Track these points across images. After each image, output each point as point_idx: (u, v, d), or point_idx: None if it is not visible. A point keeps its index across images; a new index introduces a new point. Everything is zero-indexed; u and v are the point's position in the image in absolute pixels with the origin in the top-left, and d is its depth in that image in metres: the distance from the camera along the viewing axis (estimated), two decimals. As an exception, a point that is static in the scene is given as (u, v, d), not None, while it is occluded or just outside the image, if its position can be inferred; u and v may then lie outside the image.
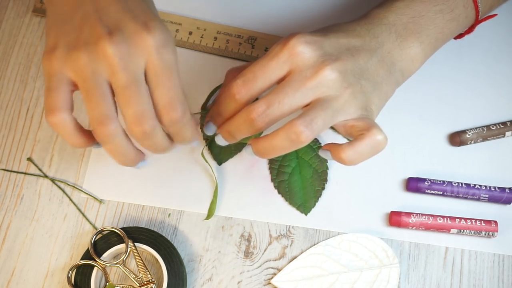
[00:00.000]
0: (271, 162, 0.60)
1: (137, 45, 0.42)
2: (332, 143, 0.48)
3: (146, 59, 0.43)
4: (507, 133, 0.61)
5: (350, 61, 0.47)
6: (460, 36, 0.56)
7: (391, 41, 0.50)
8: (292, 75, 0.46)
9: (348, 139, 0.60)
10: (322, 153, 0.48)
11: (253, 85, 0.47)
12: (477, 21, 0.54)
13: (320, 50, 0.46)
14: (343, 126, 0.48)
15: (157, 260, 0.55)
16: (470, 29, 0.55)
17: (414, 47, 0.51)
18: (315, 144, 0.60)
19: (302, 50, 0.46)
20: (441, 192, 0.59)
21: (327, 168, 0.60)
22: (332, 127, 0.61)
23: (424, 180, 0.59)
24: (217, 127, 0.51)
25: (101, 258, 0.55)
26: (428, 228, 0.58)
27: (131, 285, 0.55)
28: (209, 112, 0.51)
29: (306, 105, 0.47)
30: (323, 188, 0.59)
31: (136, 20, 0.43)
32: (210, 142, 0.60)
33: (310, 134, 0.45)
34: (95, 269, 0.55)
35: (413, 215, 0.58)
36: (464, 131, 0.61)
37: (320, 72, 0.45)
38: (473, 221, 0.58)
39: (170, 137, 0.47)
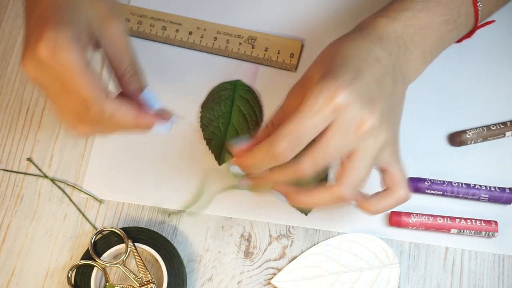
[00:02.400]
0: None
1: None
2: (360, 194, 0.49)
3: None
4: (507, 133, 0.61)
5: (382, 99, 0.46)
6: (458, 41, 0.56)
7: (400, 55, 0.49)
8: (335, 126, 0.44)
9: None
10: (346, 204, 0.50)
11: (299, 145, 0.45)
12: (475, 28, 0.55)
13: (361, 100, 0.45)
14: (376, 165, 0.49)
15: (157, 260, 0.55)
16: (468, 35, 0.55)
17: (418, 59, 0.51)
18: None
19: (348, 107, 0.44)
20: (441, 192, 0.59)
21: (327, 168, 0.60)
22: None
23: (424, 180, 0.59)
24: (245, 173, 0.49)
25: (101, 258, 0.55)
26: (428, 228, 0.58)
27: (131, 285, 0.55)
28: (238, 156, 0.49)
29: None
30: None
31: None
32: (210, 140, 0.60)
33: (352, 194, 0.46)
34: (95, 269, 0.55)
35: (413, 215, 0.58)
36: (464, 131, 0.61)
37: (361, 128, 0.45)
38: (473, 221, 0.58)
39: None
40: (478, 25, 0.54)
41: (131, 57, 0.48)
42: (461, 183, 0.59)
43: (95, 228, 0.58)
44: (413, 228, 0.58)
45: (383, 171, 0.49)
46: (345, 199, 0.46)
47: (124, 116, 0.45)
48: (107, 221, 0.58)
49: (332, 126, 0.44)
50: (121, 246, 0.56)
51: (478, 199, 0.59)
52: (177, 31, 0.64)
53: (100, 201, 0.59)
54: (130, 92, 0.48)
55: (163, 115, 0.48)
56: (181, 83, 0.63)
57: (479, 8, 0.53)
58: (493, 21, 0.56)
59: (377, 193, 0.49)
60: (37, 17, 0.46)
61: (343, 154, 0.45)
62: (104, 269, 0.55)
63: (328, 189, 0.46)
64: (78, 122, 0.46)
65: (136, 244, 0.55)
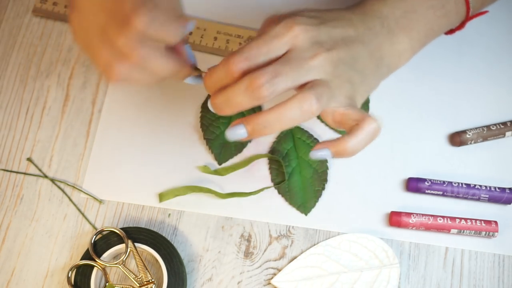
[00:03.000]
0: (271, 162, 0.60)
1: None
2: (326, 140, 0.47)
3: None
4: (507, 133, 0.61)
5: (343, 50, 0.47)
6: (450, 32, 0.56)
7: (382, 34, 0.50)
8: (291, 53, 0.46)
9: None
10: (317, 154, 0.47)
11: (253, 61, 0.46)
12: (468, 18, 0.54)
13: (316, 38, 0.47)
14: (331, 114, 0.47)
15: (157, 260, 0.55)
16: (460, 26, 0.55)
17: (403, 43, 0.51)
18: (315, 144, 0.60)
19: (303, 35, 0.46)
20: (441, 192, 0.59)
21: (327, 168, 0.60)
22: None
23: (424, 180, 0.59)
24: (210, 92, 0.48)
25: (101, 258, 0.55)
26: (428, 228, 0.58)
27: (131, 285, 0.55)
28: (208, 73, 0.48)
29: (300, 87, 0.47)
30: (323, 188, 0.59)
31: None
32: (211, 142, 0.60)
33: (320, 106, 0.45)
34: (95, 269, 0.55)
35: (413, 215, 0.58)
36: (464, 131, 0.61)
37: (316, 57, 0.46)
38: (473, 221, 0.58)
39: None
40: (471, 15, 0.54)
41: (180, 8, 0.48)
42: (461, 183, 0.59)
43: (95, 228, 0.58)
44: (413, 228, 0.58)
45: (340, 115, 0.47)
46: (313, 109, 0.45)
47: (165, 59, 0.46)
48: (107, 221, 0.58)
49: (288, 53, 0.46)
50: (121, 246, 0.56)
51: (478, 199, 0.59)
52: (177, 31, 0.64)
53: (100, 201, 0.59)
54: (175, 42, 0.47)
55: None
56: (181, 83, 0.63)
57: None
58: (486, 11, 0.56)
59: (347, 132, 0.47)
60: None
61: (299, 81, 0.46)
62: (104, 269, 0.55)
63: (295, 99, 0.45)
64: (109, 59, 0.45)
65: (136, 244, 0.55)
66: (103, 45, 0.45)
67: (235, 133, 0.46)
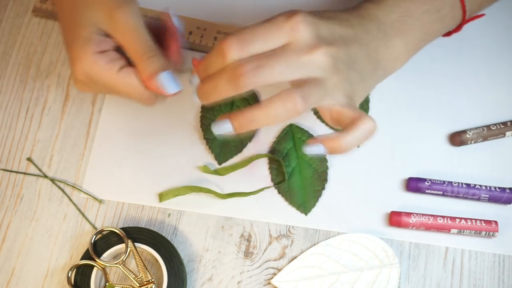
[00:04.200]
0: (271, 162, 0.60)
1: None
2: (321, 136, 0.47)
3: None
4: (507, 133, 0.61)
5: (342, 49, 0.47)
6: (447, 34, 0.56)
7: (379, 38, 0.50)
8: (288, 46, 0.45)
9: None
10: (311, 149, 0.47)
11: (248, 47, 0.45)
12: (464, 21, 0.54)
13: (317, 32, 0.46)
14: (329, 111, 0.47)
15: (157, 260, 0.55)
16: (457, 28, 0.55)
17: (399, 47, 0.51)
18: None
19: (303, 28, 0.45)
20: (441, 192, 0.59)
21: (327, 168, 0.60)
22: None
23: (424, 180, 0.59)
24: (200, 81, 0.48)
25: (101, 258, 0.55)
26: (428, 228, 0.58)
27: (131, 285, 0.55)
28: (198, 64, 0.48)
29: (293, 82, 0.46)
30: (323, 188, 0.59)
31: None
32: (211, 142, 0.60)
33: (306, 106, 0.45)
34: (95, 269, 0.55)
35: (413, 215, 0.58)
36: (464, 131, 0.61)
37: (314, 52, 0.45)
38: (473, 221, 0.58)
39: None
40: (467, 18, 0.54)
41: (144, 42, 0.49)
42: (461, 183, 0.59)
43: (95, 228, 0.58)
44: (413, 228, 0.58)
45: (337, 112, 0.47)
46: (298, 108, 0.44)
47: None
48: (107, 221, 0.58)
49: (285, 46, 0.45)
50: (121, 246, 0.56)
51: (478, 199, 0.59)
52: (177, 31, 0.64)
53: (100, 201, 0.59)
54: (145, 77, 0.49)
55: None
56: (181, 83, 0.63)
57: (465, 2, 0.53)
58: (483, 14, 0.56)
59: (343, 129, 0.47)
60: (64, 38, 0.52)
61: (288, 77, 0.45)
62: (104, 269, 0.55)
63: (280, 96, 0.45)
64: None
65: (136, 244, 0.55)
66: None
67: (221, 128, 0.46)
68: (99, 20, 0.49)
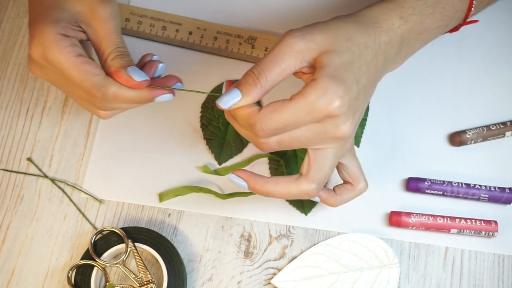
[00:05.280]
0: (271, 162, 0.60)
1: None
2: (322, 190, 0.52)
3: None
4: (507, 133, 0.61)
5: (361, 108, 0.48)
6: None
7: (391, 56, 0.49)
8: (315, 127, 0.46)
9: None
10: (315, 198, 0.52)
11: (281, 132, 0.46)
12: (459, 26, 0.55)
13: (348, 113, 0.46)
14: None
15: (157, 260, 0.55)
16: (450, 31, 0.55)
17: (402, 59, 0.51)
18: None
19: (337, 116, 0.45)
20: (441, 192, 0.59)
21: (327, 168, 0.60)
22: None
23: (424, 180, 0.59)
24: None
25: (101, 258, 0.55)
26: (428, 228, 0.58)
27: (131, 285, 0.55)
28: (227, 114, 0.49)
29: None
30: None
31: None
32: (211, 142, 0.60)
33: (318, 192, 0.49)
34: (95, 269, 0.55)
35: (413, 215, 0.58)
36: (464, 131, 0.61)
37: (340, 134, 0.46)
38: (473, 221, 0.58)
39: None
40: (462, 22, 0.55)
41: (119, 41, 0.49)
42: (461, 183, 0.59)
43: (95, 228, 0.58)
44: (413, 228, 0.58)
45: (340, 165, 0.52)
46: (311, 196, 0.49)
47: (126, 94, 0.48)
48: (107, 221, 0.58)
49: (315, 124, 0.45)
50: (121, 246, 0.56)
51: (478, 199, 0.59)
52: (177, 31, 0.64)
53: (100, 201, 0.59)
54: (114, 70, 0.49)
55: (166, 83, 0.50)
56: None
57: (471, 13, 0.53)
58: (477, 21, 0.56)
59: (339, 188, 0.53)
60: (30, 18, 0.50)
61: (311, 147, 0.47)
62: (104, 269, 0.55)
63: (296, 183, 0.48)
64: (92, 109, 0.50)
65: (136, 244, 0.55)
66: (77, 96, 0.50)
67: (237, 183, 0.50)
68: (78, 10, 0.49)
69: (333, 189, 0.53)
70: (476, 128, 0.61)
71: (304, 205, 0.59)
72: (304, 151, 0.60)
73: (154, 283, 0.55)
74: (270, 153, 0.60)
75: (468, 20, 0.54)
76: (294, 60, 0.45)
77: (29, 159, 0.60)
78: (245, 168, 0.60)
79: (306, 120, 0.45)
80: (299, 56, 0.45)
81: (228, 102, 0.46)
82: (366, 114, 0.62)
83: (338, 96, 0.44)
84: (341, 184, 0.53)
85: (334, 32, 0.46)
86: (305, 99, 0.44)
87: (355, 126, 0.47)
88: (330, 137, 0.46)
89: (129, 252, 0.55)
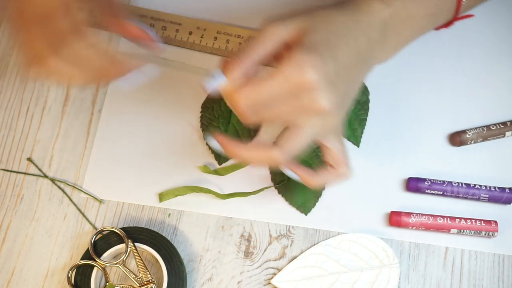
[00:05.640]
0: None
1: None
2: (301, 167, 0.51)
3: None
4: (507, 133, 0.61)
5: (343, 87, 0.47)
6: (436, 28, 0.56)
7: (378, 42, 0.49)
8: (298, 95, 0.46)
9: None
10: (289, 172, 0.52)
11: (261, 109, 0.46)
12: (453, 20, 0.54)
13: (323, 85, 0.45)
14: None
15: (157, 260, 0.55)
16: (445, 26, 0.55)
17: (391, 47, 0.51)
18: (315, 144, 0.60)
19: (311, 88, 0.45)
20: (441, 192, 0.59)
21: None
22: None
23: (424, 180, 0.59)
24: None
25: (101, 258, 0.55)
26: (428, 228, 0.58)
27: (131, 285, 0.55)
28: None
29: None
30: (323, 188, 0.59)
31: None
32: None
33: (285, 160, 0.48)
34: (95, 269, 0.55)
35: (413, 215, 0.58)
36: (464, 131, 0.61)
37: (318, 108, 0.46)
38: (473, 221, 0.58)
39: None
40: (458, 16, 0.54)
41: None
42: (461, 183, 0.59)
43: (95, 228, 0.58)
44: (413, 228, 0.58)
45: (323, 146, 0.51)
46: (277, 163, 0.48)
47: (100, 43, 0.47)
48: (107, 221, 0.58)
49: (293, 98, 0.45)
50: (121, 246, 0.56)
51: (478, 199, 0.59)
52: (177, 31, 0.64)
53: (100, 201, 0.59)
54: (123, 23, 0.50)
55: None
56: (181, 83, 0.63)
57: (462, 3, 0.53)
58: (472, 15, 0.56)
59: (322, 170, 0.52)
60: None
61: (288, 122, 0.47)
62: (104, 269, 0.55)
63: (264, 149, 0.48)
64: (49, 53, 0.46)
65: (136, 244, 0.55)
66: (41, 31, 0.45)
67: (213, 145, 0.49)
68: None
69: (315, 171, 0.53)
70: (476, 128, 0.61)
71: (304, 205, 0.59)
72: (305, 152, 0.60)
73: (154, 283, 0.55)
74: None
75: (462, 14, 0.54)
76: (275, 41, 0.46)
77: (29, 159, 0.60)
78: (245, 167, 0.60)
79: (283, 93, 0.45)
80: (279, 38, 0.46)
81: (212, 85, 0.47)
82: (366, 114, 0.62)
83: (312, 66, 0.44)
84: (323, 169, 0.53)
85: (313, 15, 0.47)
86: (281, 73, 0.44)
87: (336, 104, 0.46)
88: (307, 110, 0.45)
89: (129, 252, 0.55)
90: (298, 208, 0.59)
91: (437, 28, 0.55)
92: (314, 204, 0.59)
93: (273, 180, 0.60)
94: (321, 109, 0.45)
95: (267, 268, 0.57)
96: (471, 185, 0.59)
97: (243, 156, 0.48)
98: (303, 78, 0.44)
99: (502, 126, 0.61)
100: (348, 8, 0.49)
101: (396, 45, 0.51)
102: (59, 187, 0.59)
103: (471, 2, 0.54)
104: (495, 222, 0.58)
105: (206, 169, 0.59)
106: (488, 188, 0.59)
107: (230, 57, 0.47)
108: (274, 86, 0.45)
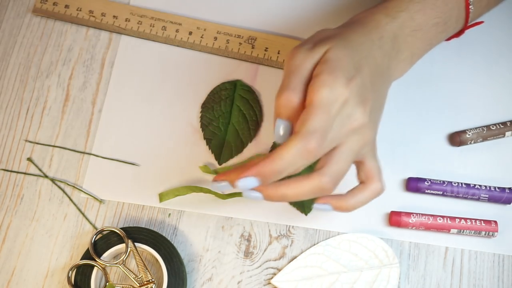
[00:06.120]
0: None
1: None
2: (329, 195, 0.49)
3: None
4: (507, 133, 0.61)
5: (372, 99, 0.47)
6: (447, 39, 0.56)
7: (392, 56, 0.50)
8: None
9: None
10: (320, 207, 0.49)
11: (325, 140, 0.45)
12: (464, 29, 0.55)
13: (355, 99, 0.46)
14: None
15: (157, 260, 0.55)
16: (456, 35, 0.56)
17: (406, 60, 0.52)
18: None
19: (345, 103, 0.45)
20: (441, 192, 0.59)
21: (327, 168, 0.60)
22: None
23: (424, 180, 0.59)
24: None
25: (101, 258, 0.55)
26: (428, 228, 0.58)
27: (131, 285, 0.55)
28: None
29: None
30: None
31: None
32: (211, 142, 0.60)
33: (333, 184, 0.46)
34: (95, 269, 0.55)
35: (413, 215, 0.58)
36: (464, 131, 0.61)
37: (354, 124, 0.46)
38: (473, 221, 0.58)
39: None
40: (468, 24, 0.54)
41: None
42: (461, 183, 0.59)
43: (95, 228, 0.58)
44: (413, 228, 0.58)
45: (359, 164, 0.50)
46: (326, 190, 0.45)
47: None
48: (107, 221, 0.58)
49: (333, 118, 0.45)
50: (121, 246, 0.56)
51: (478, 199, 0.59)
52: (177, 31, 0.64)
53: (100, 201, 0.59)
54: None
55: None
56: (181, 83, 0.63)
57: (470, 11, 0.53)
58: (482, 22, 0.56)
59: (352, 189, 0.50)
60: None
61: (330, 145, 0.46)
62: (104, 269, 0.55)
63: (309, 178, 0.45)
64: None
65: (136, 244, 0.55)
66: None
67: (251, 196, 0.47)
68: None
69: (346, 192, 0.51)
70: (476, 128, 0.61)
71: (304, 205, 0.59)
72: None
73: (154, 283, 0.55)
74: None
75: (472, 22, 0.54)
76: (305, 75, 0.46)
77: (29, 159, 0.60)
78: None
79: (332, 118, 0.45)
80: (309, 67, 0.46)
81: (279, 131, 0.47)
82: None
83: (340, 83, 0.44)
84: (355, 187, 0.51)
85: (329, 37, 0.48)
86: (320, 100, 0.44)
87: (369, 117, 0.46)
88: (344, 127, 0.45)
89: (129, 252, 0.55)
90: (298, 208, 0.59)
91: (449, 39, 0.56)
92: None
93: (273, 180, 0.60)
94: (357, 124, 0.45)
95: (267, 268, 0.57)
96: (471, 185, 0.59)
97: (289, 195, 0.46)
98: (339, 97, 0.44)
99: (502, 126, 0.61)
100: (357, 26, 0.49)
101: (410, 57, 0.52)
102: (59, 187, 0.59)
103: (480, 10, 0.54)
104: (495, 222, 0.58)
105: (206, 169, 0.59)
106: (488, 188, 0.59)
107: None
108: (324, 114, 0.44)
